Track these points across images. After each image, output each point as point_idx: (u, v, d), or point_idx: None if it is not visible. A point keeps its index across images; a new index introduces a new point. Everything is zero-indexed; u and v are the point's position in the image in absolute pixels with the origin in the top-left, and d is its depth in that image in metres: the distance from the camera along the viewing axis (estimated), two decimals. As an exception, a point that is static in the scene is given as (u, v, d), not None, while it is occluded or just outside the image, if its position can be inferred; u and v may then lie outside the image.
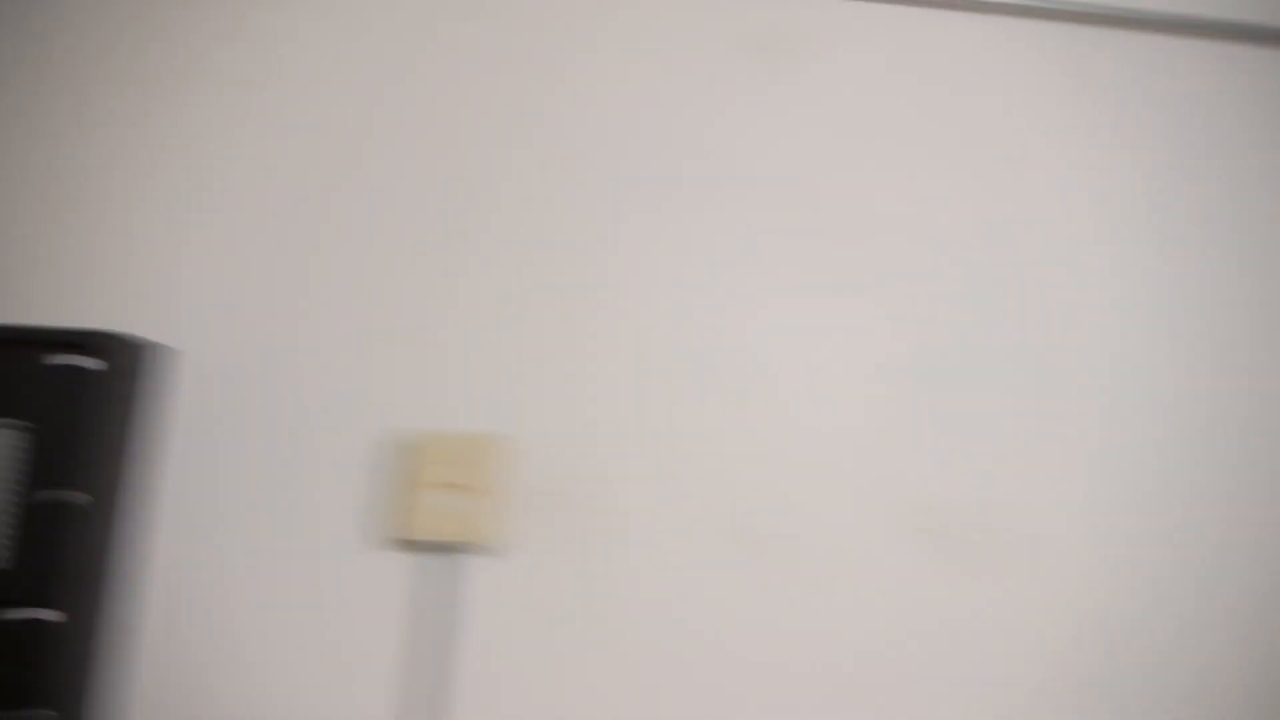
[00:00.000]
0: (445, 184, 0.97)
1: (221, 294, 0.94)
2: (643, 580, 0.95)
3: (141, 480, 0.90)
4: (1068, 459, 1.02)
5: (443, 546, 0.91)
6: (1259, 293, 1.04)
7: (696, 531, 0.97)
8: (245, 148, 0.96)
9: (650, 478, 0.97)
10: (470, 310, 0.96)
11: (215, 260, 0.94)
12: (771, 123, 1.02)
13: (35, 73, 0.95)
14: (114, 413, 0.87)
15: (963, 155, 1.04)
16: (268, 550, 0.91)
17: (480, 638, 0.91)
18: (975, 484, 1.00)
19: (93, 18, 0.97)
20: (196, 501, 0.91)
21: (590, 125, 1.01)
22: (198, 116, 0.96)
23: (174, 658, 0.89)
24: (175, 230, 0.94)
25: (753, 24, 1.04)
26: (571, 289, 0.98)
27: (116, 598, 0.87)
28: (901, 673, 0.96)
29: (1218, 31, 1.07)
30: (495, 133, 0.98)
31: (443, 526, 0.90)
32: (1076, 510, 1.01)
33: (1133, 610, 0.99)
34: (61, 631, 0.82)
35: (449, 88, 0.99)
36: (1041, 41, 1.07)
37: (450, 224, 0.97)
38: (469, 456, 0.92)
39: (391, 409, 0.94)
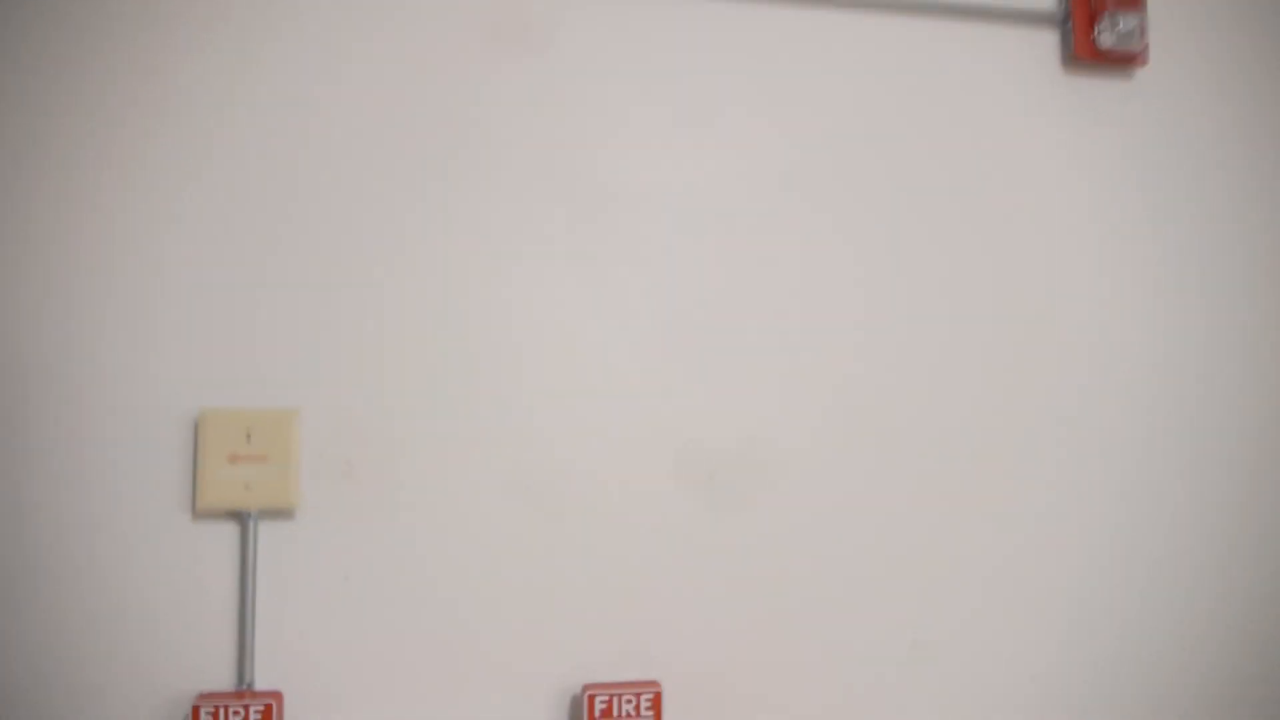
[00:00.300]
0: (237, 174, 1.02)
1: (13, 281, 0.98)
2: (433, 536, 1.01)
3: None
4: (823, 404, 1.11)
5: (238, 513, 0.97)
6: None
7: (482, 488, 1.02)
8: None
9: (437, 442, 1.01)
10: (256, 291, 1.00)
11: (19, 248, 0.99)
12: (534, 101, 1.09)
13: None
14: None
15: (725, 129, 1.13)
16: (75, 529, 0.96)
17: (275, 593, 0.97)
18: (743, 429, 1.08)
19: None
20: (19, 485, 0.96)
21: (366, 111, 1.05)
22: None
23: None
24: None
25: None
26: (350, 267, 1.01)
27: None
28: (685, 598, 1.04)
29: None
30: (275, 120, 1.03)
31: (239, 496, 0.96)
32: (836, 447, 1.10)
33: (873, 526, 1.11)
34: None
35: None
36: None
37: (236, 211, 1.01)
38: (257, 429, 0.97)
39: (197, 386, 0.98)
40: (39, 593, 0.95)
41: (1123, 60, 1.15)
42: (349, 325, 1.01)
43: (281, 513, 0.98)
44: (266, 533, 0.98)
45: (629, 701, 0.99)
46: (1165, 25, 1.19)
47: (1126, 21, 1.12)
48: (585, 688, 0.99)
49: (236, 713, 0.93)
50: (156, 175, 0.99)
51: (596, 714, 0.98)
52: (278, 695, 0.96)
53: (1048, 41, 1.16)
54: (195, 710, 0.93)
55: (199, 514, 0.97)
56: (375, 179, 1.03)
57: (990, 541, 1.13)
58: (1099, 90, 1.17)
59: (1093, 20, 1.14)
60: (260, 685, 0.97)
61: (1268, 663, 1.19)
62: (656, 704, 0.99)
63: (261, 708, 0.94)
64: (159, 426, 0.97)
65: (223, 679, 0.97)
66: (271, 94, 1.02)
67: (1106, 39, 1.13)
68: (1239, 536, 1.19)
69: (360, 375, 1.01)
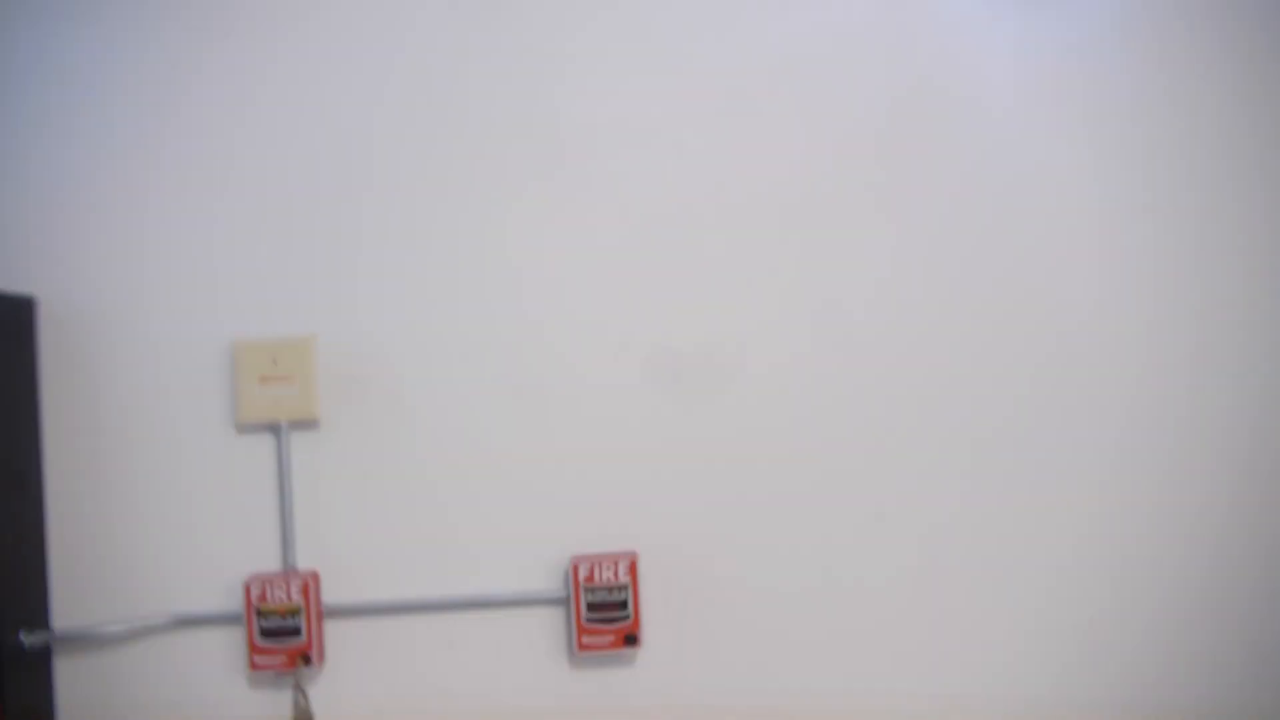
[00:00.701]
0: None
1: (71, 243, 1.18)
2: (436, 438, 1.18)
3: (30, 404, 1.16)
4: (784, 305, 1.23)
5: (272, 425, 1.17)
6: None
7: (475, 395, 1.19)
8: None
9: (434, 357, 1.19)
10: (281, 233, 1.18)
11: (62, 211, 1.18)
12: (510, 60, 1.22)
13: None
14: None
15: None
16: (138, 448, 1.17)
17: (307, 492, 1.17)
18: (708, 328, 1.21)
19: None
20: (81, 415, 1.17)
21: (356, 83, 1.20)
22: None
23: (80, 546, 1.17)
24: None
25: None
26: (352, 213, 1.19)
27: (22, 490, 1.14)
28: (660, 482, 1.19)
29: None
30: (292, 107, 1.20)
31: (270, 410, 1.15)
32: (794, 348, 1.22)
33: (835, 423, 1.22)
34: (-13, 519, 1.09)
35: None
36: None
37: (258, 179, 1.19)
38: (283, 354, 1.16)
39: (229, 319, 1.17)
40: (118, 495, 1.16)
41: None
42: (355, 261, 1.19)
43: (307, 423, 1.17)
44: (297, 441, 1.17)
45: (609, 568, 1.15)
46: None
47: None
48: (573, 558, 1.16)
49: (280, 586, 1.13)
50: (194, 167, 1.18)
51: (581, 579, 1.15)
52: (315, 574, 1.15)
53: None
54: (247, 588, 1.13)
55: (240, 427, 1.17)
56: (373, 137, 1.20)
57: (944, 421, 1.25)
58: None
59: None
60: (301, 566, 1.17)
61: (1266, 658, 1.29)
62: (633, 569, 1.15)
63: (302, 583, 1.13)
64: (204, 355, 1.17)
65: (269, 562, 1.17)
66: (279, 91, 1.20)
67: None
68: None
69: (367, 304, 1.19)
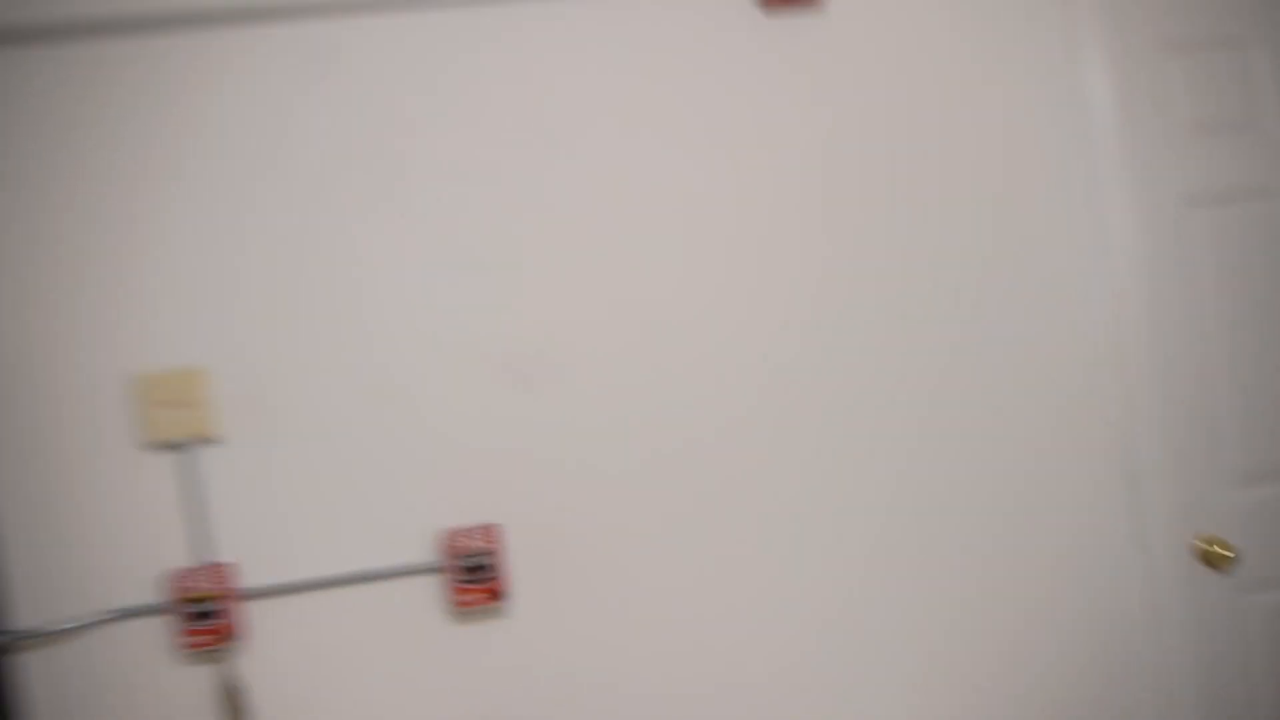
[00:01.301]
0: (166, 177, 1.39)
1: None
2: (320, 442, 1.41)
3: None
4: (610, 311, 1.46)
5: (175, 444, 1.38)
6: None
7: (345, 403, 1.41)
8: None
9: (309, 374, 1.41)
10: (171, 275, 1.39)
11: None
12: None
13: None
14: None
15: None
16: (68, 462, 1.38)
17: (220, 494, 1.40)
18: (534, 332, 1.45)
19: None
20: (15, 445, 1.37)
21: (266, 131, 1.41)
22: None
23: (29, 555, 1.37)
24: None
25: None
26: (241, 257, 1.40)
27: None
28: (517, 465, 1.43)
29: None
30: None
31: (171, 430, 1.37)
32: (622, 346, 1.46)
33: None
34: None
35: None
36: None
37: (165, 222, 1.39)
38: (179, 382, 1.37)
39: (131, 355, 1.38)
40: (43, 507, 1.37)
41: (800, 4, 1.46)
42: (233, 297, 1.40)
43: (209, 440, 1.39)
44: (203, 456, 1.39)
45: (475, 536, 1.38)
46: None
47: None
48: (445, 530, 1.40)
49: (200, 576, 1.35)
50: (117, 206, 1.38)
51: (452, 546, 1.38)
52: (229, 564, 1.38)
53: (745, -8, 1.49)
54: (173, 579, 1.35)
55: (146, 446, 1.39)
56: (233, 191, 1.40)
57: (760, 403, 1.50)
58: (788, 29, 1.49)
59: (773, -29, 1.45)
60: (220, 558, 1.39)
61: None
62: (492, 535, 1.39)
63: (218, 570, 1.36)
64: (109, 386, 1.38)
65: (188, 557, 1.39)
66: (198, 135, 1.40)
67: (784, -14, 1.44)
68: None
69: (249, 332, 1.41)
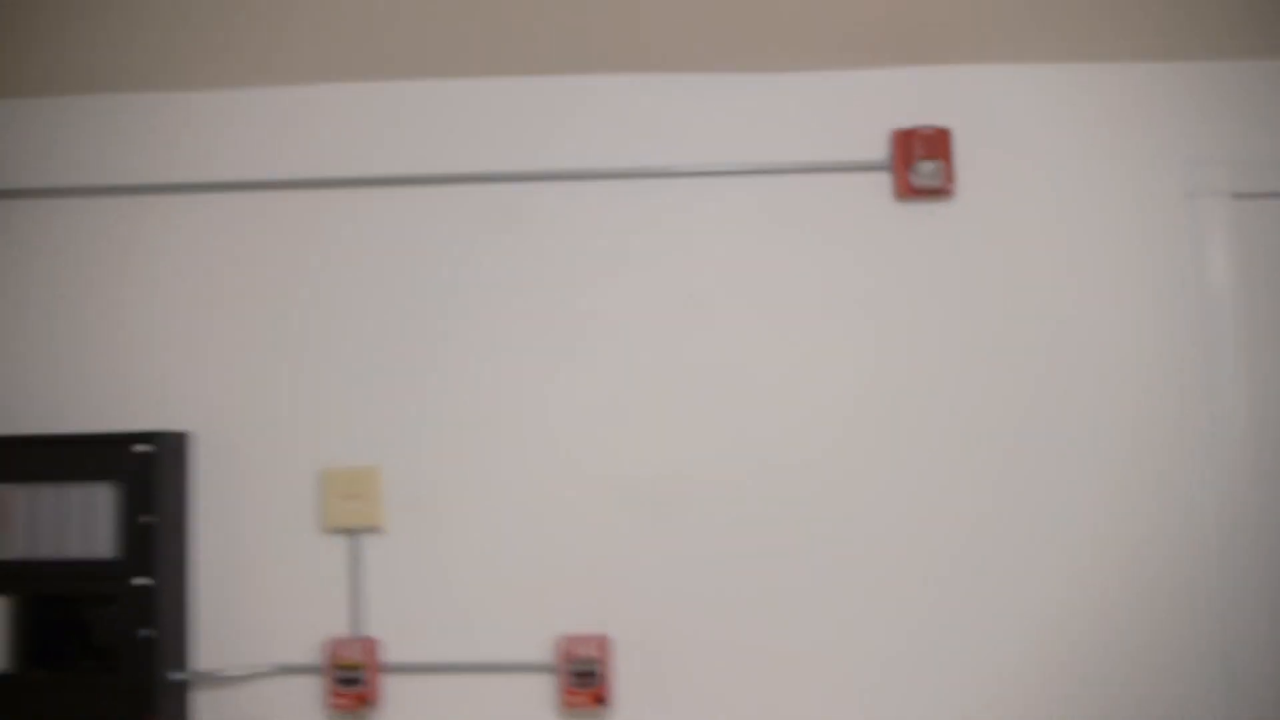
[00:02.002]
0: (362, 305, 1.66)
1: (211, 396, 1.65)
2: (467, 542, 1.62)
3: (185, 509, 1.62)
4: (725, 448, 1.62)
5: (348, 530, 1.62)
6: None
7: (495, 514, 1.62)
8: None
9: (466, 485, 1.63)
10: (360, 388, 1.64)
11: (215, 369, 1.66)
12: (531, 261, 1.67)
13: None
14: (163, 473, 1.58)
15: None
16: (259, 536, 1.62)
17: (377, 577, 1.62)
18: (661, 464, 1.62)
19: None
20: (219, 516, 1.63)
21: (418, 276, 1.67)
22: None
23: (214, 608, 1.63)
24: (189, 350, 1.67)
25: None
26: (420, 379, 1.65)
27: (178, 570, 1.60)
28: (632, 583, 1.60)
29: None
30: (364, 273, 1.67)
31: (347, 519, 1.61)
32: (737, 480, 1.62)
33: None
34: (153, 590, 1.54)
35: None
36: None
37: (348, 325, 1.66)
38: (358, 478, 1.62)
39: (320, 453, 1.64)
40: (238, 575, 1.61)
41: (932, 193, 1.61)
42: (410, 415, 1.65)
43: (375, 529, 1.62)
44: (367, 542, 1.61)
45: (585, 644, 1.54)
46: (971, 166, 1.65)
47: (927, 167, 1.58)
48: (560, 637, 1.57)
49: (351, 646, 1.55)
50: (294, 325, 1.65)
51: (565, 652, 1.55)
52: (376, 639, 1.59)
53: (883, 181, 1.65)
54: (328, 646, 1.56)
55: (326, 531, 1.62)
56: (417, 325, 1.66)
57: (875, 530, 1.62)
58: (920, 213, 1.65)
59: (907, 167, 1.60)
60: (367, 633, 1.60)
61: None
62: (603, 645, 1.55)
63: (367, 644, 1.57)
64: (302, 478, 1.63)
65: (344, 629, 1.61)
66: (383, 272, 1.67)
67: (915, 180, 1.59)
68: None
69: (419, 443, 1.65)
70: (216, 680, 1.61)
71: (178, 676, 1.58)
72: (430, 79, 1.68)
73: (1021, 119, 1.65)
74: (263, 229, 1.67)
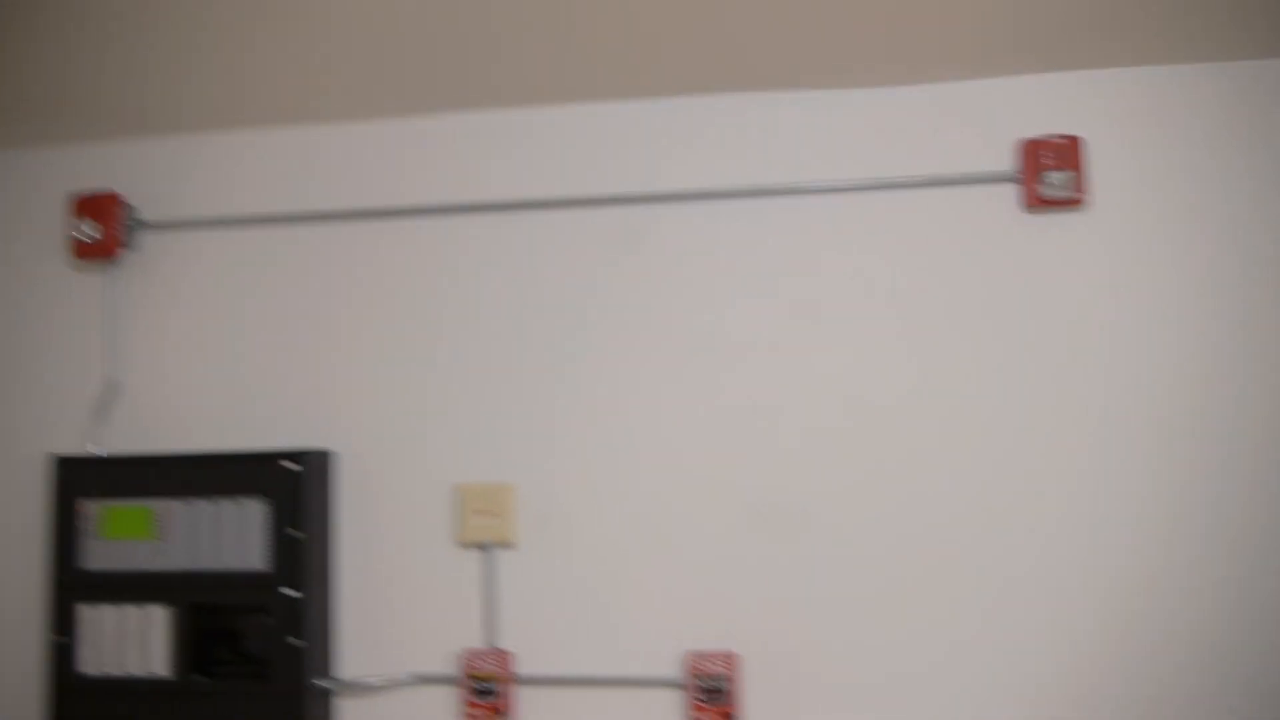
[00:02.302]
0: (509, 330, 1.72)
1: (353, 414, 1.73)
2: (596, 558, 1.65)
3: (329, 523, 1.70)
4: (851, 470, 1.61)
5: (482, 545, 1.67)
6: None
7: (623, 530, 1.65)
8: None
9: (597, 501, 1.67)
10: (495, 407, 1.70)
11: (359, 391, 1.74)
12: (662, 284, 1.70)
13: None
14: (310, 489, 1.66)
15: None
16: (398, 550, 1.69)
17: (510, 592, 1.67)
18: (789, 484, 1.63)
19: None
20: (361, 531, 1.71)
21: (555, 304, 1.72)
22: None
23: (355, 619, 1.70)
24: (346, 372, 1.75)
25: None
26: (551, 398, 1.70)
27: (323, 582, 1.68)
28: (759, 599, 1.61)
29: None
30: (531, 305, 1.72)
31: (481, 534, 1.66)
32: (861, 501, 1.61)
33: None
34: (301, 601, 1.62)
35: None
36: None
37: (504, 355, 1.71)
38: (492, 495, 1.67)
39: (455, 470, 1.70)
40: (380, 587, 1.68)
41: (1063, 204, 1.57)
42: (541, 434, 1.70)
43: (508, 545, 1.67)
44: (501, 557, 1.66)
45: (714, 662, 1.55)
46: (1103, 174, 1.60)
47: (1057, 178, 1.54)
48: (688, 653, 1.59)
49: (485, 659, 1.60)
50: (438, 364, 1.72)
51: (693, 668, 1.57)
52: (509, 652, 1.64)
53: (1010, 193, 1.62)
54: (462, 658, 1.62)
55: (461, 546, 1.68)
56: (547, 345, 1.71)
57: (1000, 549, 1.58)
58: (1050, 225, 1.61)
59: (1036, 177, 1.57)
60: (501, 645, 1.65)
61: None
62: (731, 662, 1.55)
63: (501, 657, 1.61)
64: (439, 494, 1.69)
65: (478, 641, 1.66)
66: (525, 296, 1.72)
67: (1044, 191, 1.55)
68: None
69: (550, 461, 1.70)
70: (358, 688, 1.68)
71: (323, 684, 1.66)
72: (557, 105, 1.73)
73: (1156, 124, 1.60)
74: (401, 256, 1.75)
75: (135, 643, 1.68)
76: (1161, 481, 1.56)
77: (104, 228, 1.80)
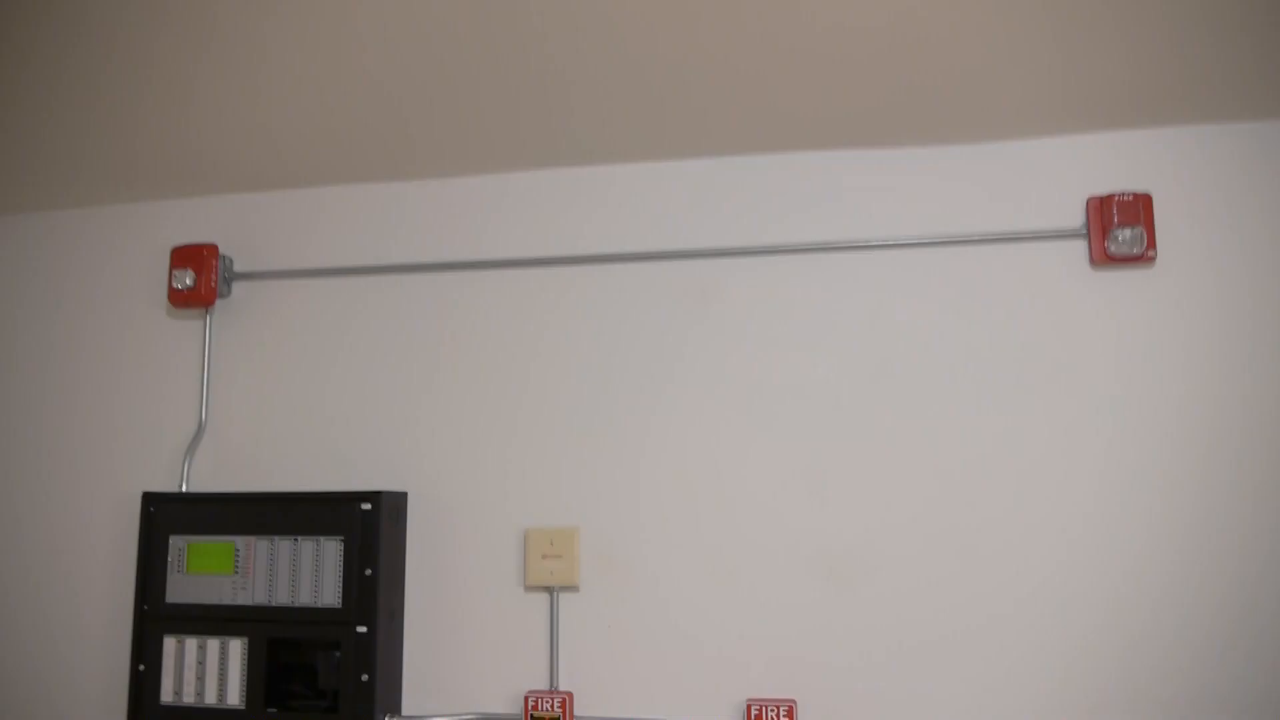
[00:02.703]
0: (564, 377, 1.77)
1: (425, 460, 1.79)
2: (657, 601, 1.68)
3: (400, 563, 1.76)
4: (905, 521, 1.62)
5: (548, 587, 1.70)
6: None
7: (685, 574, 1.67)
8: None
9: (657, 545, 1.69)
10: (562, 453, 1.75)
11: (432, 435, 1.80)
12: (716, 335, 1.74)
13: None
14: (383, 529, 1.72)
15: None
16: (466, 590, 1.73)
17: (571, 632, 1.70)
18: (851, 535, 1.63)
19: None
20: (430, 571, 1.75)
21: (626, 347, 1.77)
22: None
23: (423, 660, 1.74)
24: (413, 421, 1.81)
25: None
26: (603, 447, 1.74)
27: (393, 620, 1.72)
28: (816, 647, 1.61)
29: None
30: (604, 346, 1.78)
31: (547, 577, 1.70)
32: (916, 550, 1.61)
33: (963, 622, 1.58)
34: (372, 637, 1.67)
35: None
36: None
37: (558, 400, 1.76)
38: (558, 538, 1.71)
39: (523, 513, 1.74)
40: (446, 626, 1.73)
41: (1131, 260, 1.57)
42: (607, 479, 1.74)
43: (571, 588, 1.69)
44: (564, 599, 1.69)
45: (773, 709, 1.55)
46: (1172, 231, 1.61)
47: (1125, 234, 1.54)
48: (748, 700, 1.58)
49: (548, 700, 1.63)
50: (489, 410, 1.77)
51: (754, 716, 1.56)
52: (570, 693, 1.66)
53: (1078, 249, 1.62)
54: (525, 699, 1.64)
55: (527, 588, 1.71)
56: (617, 394, 1.76)
57: (1066, 610, 1.56)
58: (1118, 281, 1.61)
59: (1104, 234, 1.57)
60: (561, 686, 1.67)
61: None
62: (791, 713, 1.56)
63: (562, 698, 1.63)
64: (505, 535, 1.73)
65: (541, 682, 1.68)
66: (575, 346, 1.78)
67: (1113, 247, 1.55)
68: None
69: (615, 507, 1.73)
70: (424, 726, 1.73)
71: (391, 719, 1.71)
72: (634, 163, 1.80)
73: (1225, 180, 1.60)
74: (476, 308, 1.82)
75: (213, 674, 1.75)
76: (1239, 537, 1.53)
77: (200, 277, 1.92)
